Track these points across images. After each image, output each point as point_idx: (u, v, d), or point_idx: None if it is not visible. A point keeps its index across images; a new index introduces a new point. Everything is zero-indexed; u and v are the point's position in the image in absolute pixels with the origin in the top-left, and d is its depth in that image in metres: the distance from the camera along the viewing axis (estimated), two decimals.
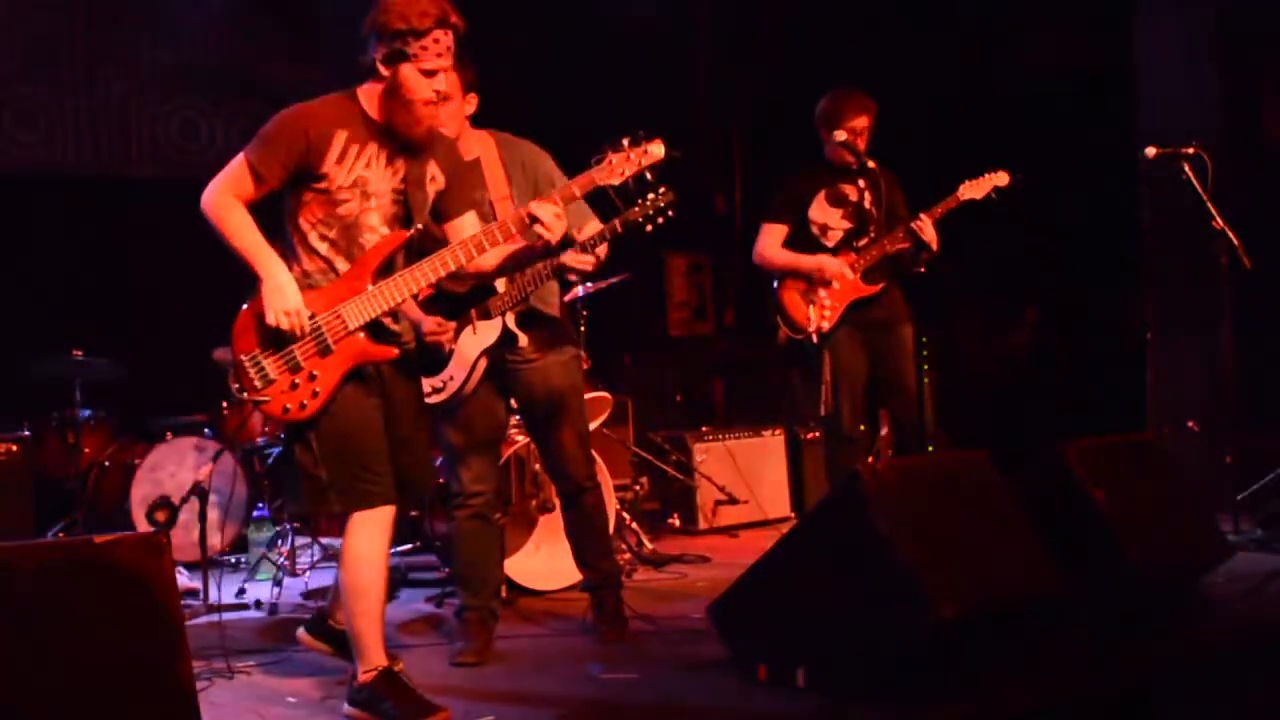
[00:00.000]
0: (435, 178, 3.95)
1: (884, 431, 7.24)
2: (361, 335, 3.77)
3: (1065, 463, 4.41)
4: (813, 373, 5.82)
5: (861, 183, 5.72)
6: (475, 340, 4.56)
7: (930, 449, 8.60)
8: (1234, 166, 6.39)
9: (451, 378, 4.55)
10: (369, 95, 3.84)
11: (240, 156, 3.75)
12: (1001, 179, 5.75)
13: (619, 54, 9.21)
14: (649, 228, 4.27)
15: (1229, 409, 6.32)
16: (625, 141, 3.87)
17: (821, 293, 5.71)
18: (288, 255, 3.80)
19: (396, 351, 3.85)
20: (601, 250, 4.44)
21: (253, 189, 3.75)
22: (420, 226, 3.88)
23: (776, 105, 5.90)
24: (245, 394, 3.73)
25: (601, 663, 4.38)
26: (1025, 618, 4.13)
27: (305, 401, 3.73)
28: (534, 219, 3.80)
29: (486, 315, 4.57)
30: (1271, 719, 3.99)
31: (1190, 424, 6.80)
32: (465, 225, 4.01)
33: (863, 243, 5.77)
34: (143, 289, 7.69)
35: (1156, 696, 3.98)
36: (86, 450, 6.96)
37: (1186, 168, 6.01)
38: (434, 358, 4.47)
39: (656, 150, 3.87)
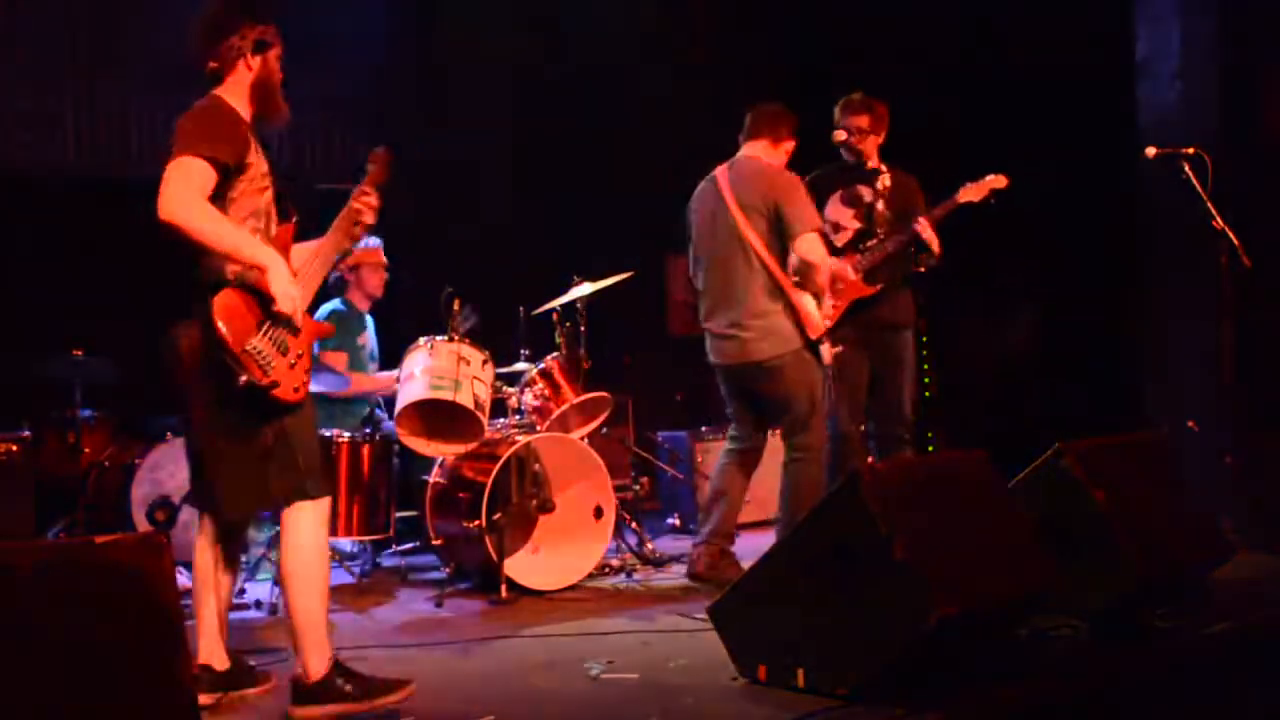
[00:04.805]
0: None
1: None
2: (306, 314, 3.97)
3: (1065, 462, 4.41)
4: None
5: (880, 184, 5.79)
6: None
7: (931, 449, 8.63)
8: (1233, 166, 6.38)
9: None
10: (233, 94, 3.95)
11: (189, 159, 3.74)
12: (1000, 182, 5.80)
13: (618, 54, 9.21)
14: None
15: (1229, 408, 6.32)
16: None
17: (827, 299, 5.74)
18: (216, 259, 3.82)
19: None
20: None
21: (213, 186, 3.78)
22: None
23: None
24: (257, 383, 3.76)
25: (602, 663, 4.38)
26: (1025, 617, 4.13)
27: (302, 382, 3.90)
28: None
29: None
30: (1272, 718, 3.99)
31: (1190, 424, 6.80)
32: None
33: (871, 243, 5.82)
34: (143, 289, 7.66)
35: (1156, 696, 3.98)
36: (86, 450, 6.96)
37: (1186, 168, 6.01)
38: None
39: (385, 154, 4.13)
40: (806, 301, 5.53)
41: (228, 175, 3.81)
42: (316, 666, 3.88)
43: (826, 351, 5.59)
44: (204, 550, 4.11)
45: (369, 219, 4.02)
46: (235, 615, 5.42)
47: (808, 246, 5.44)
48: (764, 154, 5.72)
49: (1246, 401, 6.31)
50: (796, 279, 5.54)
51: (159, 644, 2.95)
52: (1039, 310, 8.81)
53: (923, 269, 5.92)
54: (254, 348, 3.75)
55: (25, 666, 2.75)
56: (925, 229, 5.74)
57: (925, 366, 9.11)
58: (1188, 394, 7.08)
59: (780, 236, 5.53)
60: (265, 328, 3.80)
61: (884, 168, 5.92)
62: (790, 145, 5.77)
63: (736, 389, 5.77)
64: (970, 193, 5.81)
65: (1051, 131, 8.14)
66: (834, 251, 5.87)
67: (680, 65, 9.43)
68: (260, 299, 3.82)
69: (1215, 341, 6.32)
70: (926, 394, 9.14)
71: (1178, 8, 7.45)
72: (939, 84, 8.48)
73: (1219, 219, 5.98)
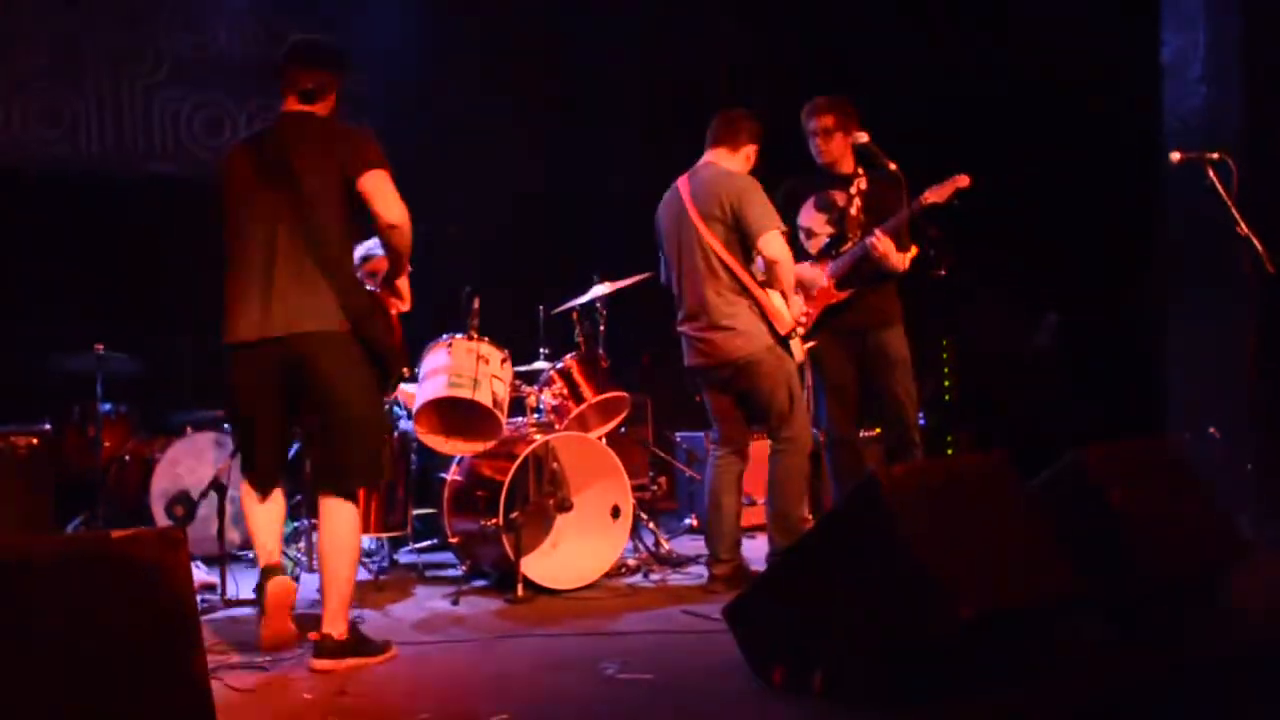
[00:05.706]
0: None
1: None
2: None
3: (1084, 465, 4.39)
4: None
5: (853, 189, 5.81)
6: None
7: (950, 451, 8.59)
8: (1258, 172, 6.34)
9: None
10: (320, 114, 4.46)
11: (388, 174, 4.28)
12: (963, 181, 5.78)
13: (633, 53, 9.21)
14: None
15: (1251, 414, 6.28)
16: None
17: (799, 300, 5.78)
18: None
19: None
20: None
21: None
22: None
23: (788, 108, 5.91)
24: (403, 378, 4.46)
25: (617, 663, 4.38)
26: (1043, 619, 4.11)
27: None
28: None
29: None
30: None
31: (1212, 430, 6.76)
32: None
33: (846, 248, 5.84)
34: (165, 284, 7.71)
35: (1173, 698, 3.96)
36: (107, 444, 6.99)
37: (1210, 172, 5.97)
38: None
39: None
40: (773, 299, 5.66)
41: None
42: (344, 628, 4.41)
43: (797, 347, 5.71)
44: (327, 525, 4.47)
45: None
46: (253, 611, 5.45)
47: (769, 245, 5.54)
48: (723, 160, 5.77)
49: (1268, 407, 6.27)
50: (763, 279, 5.62)
51: (175, 639, 2.96)
52: (1059, 314, 8.78)
53: (943, 272, 5.91)
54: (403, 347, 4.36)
55: (41, 659, 2.76)
56: (879, 243, 5.74)
57: (946, 370, 9.11)
58: (1210, 399, 7.04)
59: (742, 238, 5.60)
60: None
61: (861, 170, 5.91)
62: (750, 150, 5.80)
63: (717, 388, 5.81)
64: (935, 194, 5.78)
65: (1076, 136, 8.12)
66: (806, 258, 5.95)
67: (696, 65, 9.42)
68: None
69: (1238, 347, 6.29)
70: (946, 396, 9.13)
71: (1204, 12, 7.41)
72: (962, 85, 8.46)
73: (1243, 224, 5.94)
